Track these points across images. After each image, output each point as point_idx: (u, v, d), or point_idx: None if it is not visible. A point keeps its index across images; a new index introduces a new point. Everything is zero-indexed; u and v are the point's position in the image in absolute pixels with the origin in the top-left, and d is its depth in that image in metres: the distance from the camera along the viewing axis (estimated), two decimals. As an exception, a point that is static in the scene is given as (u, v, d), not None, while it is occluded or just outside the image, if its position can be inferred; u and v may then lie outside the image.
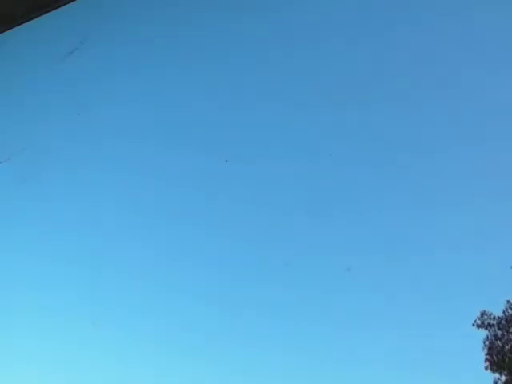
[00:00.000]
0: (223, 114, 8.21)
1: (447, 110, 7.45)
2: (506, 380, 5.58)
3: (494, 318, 5.83)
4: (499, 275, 6.28)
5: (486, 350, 5.86)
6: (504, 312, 5.82)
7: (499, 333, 5.70)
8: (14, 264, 7.75)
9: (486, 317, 5.83)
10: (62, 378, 7.43)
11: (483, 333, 5.91)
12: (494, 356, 5.69)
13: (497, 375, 5.73)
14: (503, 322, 5.75)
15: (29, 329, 7.69)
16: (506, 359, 5.56)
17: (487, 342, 5.85)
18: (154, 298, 7.97)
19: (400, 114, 8.08)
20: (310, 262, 7.72)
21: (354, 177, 7.95)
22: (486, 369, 5.78)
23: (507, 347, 5.64)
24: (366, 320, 7.06)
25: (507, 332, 5.67)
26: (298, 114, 8.08)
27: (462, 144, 7.62)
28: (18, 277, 7.78)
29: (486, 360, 5.80)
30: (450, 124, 7.64)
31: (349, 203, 7.87)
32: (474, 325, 5.93)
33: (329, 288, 7.40)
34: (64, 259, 8.05)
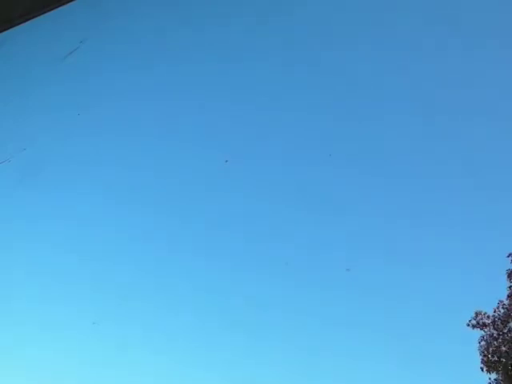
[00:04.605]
0: (223, 114, 8.19)
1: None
2: (502, 380, 5.52)
3: (489, 318, 5.76)
4: (491, 275, 6.25)
5: (481, 351, 5.78)
6: (495, 311, 5.75)
7: (494, 333, 5.62)
8: (14, 263, 7.75)
9: (480, 316, 5.76)
10: (62, 377, 7.43)
11: (478, 333, 5.84)
12: (490, 356, 5.62)
13: (493, 376, 5.66)
14: (497, 321, 5.68)
15: (28, 328, 7.69)
16: (503, 360, 5.50)
17: (482, 343, 5.77)
18: (155, 299, 7.94)
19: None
20: (310, 261, 7.68)
21: (354, 178, 7.91)
22: (482, 370, 5.72)
23: (504, 348, 5.57)
24: (364, 319, 7.03)
25: (502, 332, 5.60)
26: (299, 114, 8.05)
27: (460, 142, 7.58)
28: (17, 276, 7.78)
29: (482, 361, 5.72)
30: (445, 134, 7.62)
31: (349, 204, 7.83)
32: (468, 325, 5.86)
33: (329, 287, 7.36)
34: (64, 258, 8.04)
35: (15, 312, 7.70)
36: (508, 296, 5.94)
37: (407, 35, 7.63)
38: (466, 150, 7.86)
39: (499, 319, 5.53)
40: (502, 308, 5.69)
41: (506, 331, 5.46)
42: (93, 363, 7.65)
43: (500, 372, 5.48)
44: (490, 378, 5.63)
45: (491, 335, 5.57)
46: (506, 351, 5.61)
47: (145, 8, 7.64)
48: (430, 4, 7.41)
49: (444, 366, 5.90)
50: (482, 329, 5.55)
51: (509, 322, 5.70)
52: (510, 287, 6.30)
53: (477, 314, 5.71)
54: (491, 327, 5.49)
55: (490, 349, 5.49)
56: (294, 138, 8.09)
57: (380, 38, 7.65)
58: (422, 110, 7.75)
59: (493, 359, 5.56)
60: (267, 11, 7.66)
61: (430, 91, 7.67)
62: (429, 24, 7.41)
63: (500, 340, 5.53)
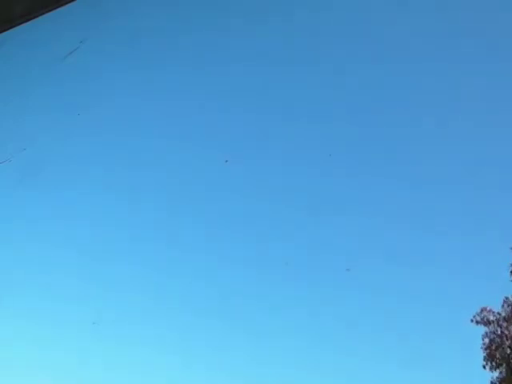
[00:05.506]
0: (223, 114, 8.20)
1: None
2: (505, 377, 5.52)
3: (494, 315, 5.75)
4: (497, 272, 6.26)
5: (484, 348, 5.78)
6: (502, 307, 5.75)
7: (498, 330, 5.61)
8: (14, 263, 7.74)
9: (485, 313, 5.76)
10: (62, 377, 7.42)
11: (480, 330, 5.82)
12: (493, 353, 5.61)
13: (495, 374, 5.66)
14: (502, 318, 5.68)
15: (28, 328, 7.67)
16: (506, 356, 5.50)
17: (486, 339, 5.76)
18: (155, 299, 7.94)
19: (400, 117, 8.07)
20: (310, 261, 7.68)
21: (354, 178, 7.92)
22: (484, 367, 5.71)
23: (507, 344, 5.57)
24: (365, 319, 7.03)
25: (507, 329, 5.60)
26: (299, 114, 8.07)
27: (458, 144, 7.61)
28: (17, 276, 7.77)
29: (485, 358, 5.72)
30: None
31: (349, 204, 7.84)
32: (472, 321, 5.86)
33: (329, 287, 7.37)
34: (64, 258, 8.03)
35: (15, 313, 7.69)
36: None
37: (408, 34, 7.66)
38: (465, 149, 7.89)
39: (503, 317, 5.53)
40: (507, 305, 5.69)
41: (510, 329, 5.46)
42: (93, 363, 7.64)
43: (503, 368, 5.48)
44: (492, 377, 5.64)
45: (494, 332, 5.57)
46: (508, 346, 5.62)
47: (145, 8, 7.65)
48: (430, 5, 7.46)
49: (446, 364, 5.91)
50: (485, 325, 5.55)
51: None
52: None
53: (482, 309, 5.70)
54: (495, 324, 5.49)
55: (494, 345, 5.50)
56: (294, 137, 8.11)
57: (381, 37, 7.68)
58: (422, 110, 7.78)
59: (495, 356, 5.56)
60: (267, 11, 7.69)
61: (430, 91, 7.70)
62: (429, 23, 7.44)
63: (504, 337, 5.54)
